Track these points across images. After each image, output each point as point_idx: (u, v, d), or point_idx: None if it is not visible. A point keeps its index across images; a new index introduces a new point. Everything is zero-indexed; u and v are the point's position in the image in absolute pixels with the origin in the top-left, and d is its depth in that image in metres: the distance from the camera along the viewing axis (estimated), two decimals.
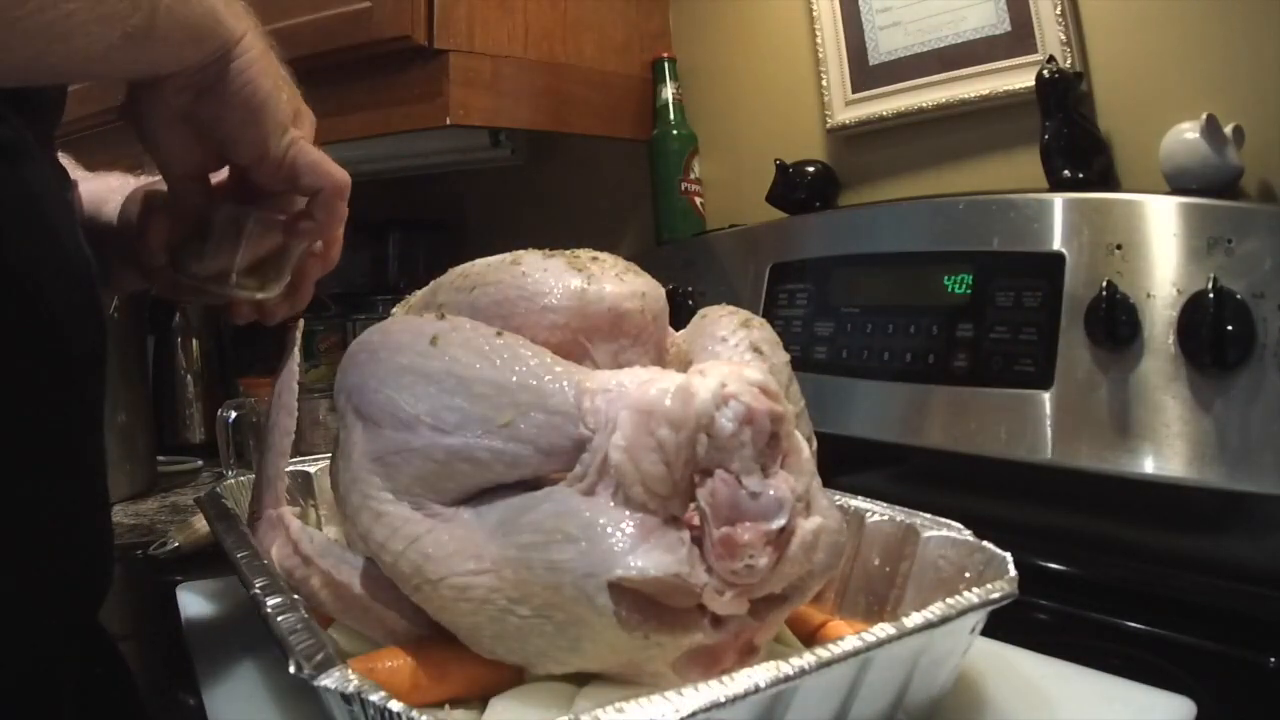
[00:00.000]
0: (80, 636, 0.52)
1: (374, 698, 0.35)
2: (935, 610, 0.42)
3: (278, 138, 0.52)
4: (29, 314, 0.46)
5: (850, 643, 0.38)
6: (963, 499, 0.78)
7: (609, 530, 0.41)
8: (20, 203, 0.48)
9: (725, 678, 0.35)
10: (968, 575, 0.51)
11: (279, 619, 0.43)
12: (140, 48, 0.42)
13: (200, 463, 1.29)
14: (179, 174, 0.54)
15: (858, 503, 0.59)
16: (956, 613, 0.42)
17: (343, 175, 0.56)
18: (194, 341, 1.38)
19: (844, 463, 0.92)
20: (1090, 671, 0.52)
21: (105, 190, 0.63)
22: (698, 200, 1.19)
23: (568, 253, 0.54)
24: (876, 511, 0.58)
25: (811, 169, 1.05)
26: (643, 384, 0.43)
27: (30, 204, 0.49)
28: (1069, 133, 0.82)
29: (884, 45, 1.01)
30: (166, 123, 0.50)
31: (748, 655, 0.44)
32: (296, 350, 0.62)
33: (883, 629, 0.40)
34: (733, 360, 0.53)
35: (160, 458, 1.24)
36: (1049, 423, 0.74)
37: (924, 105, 0.98)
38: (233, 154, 0.53)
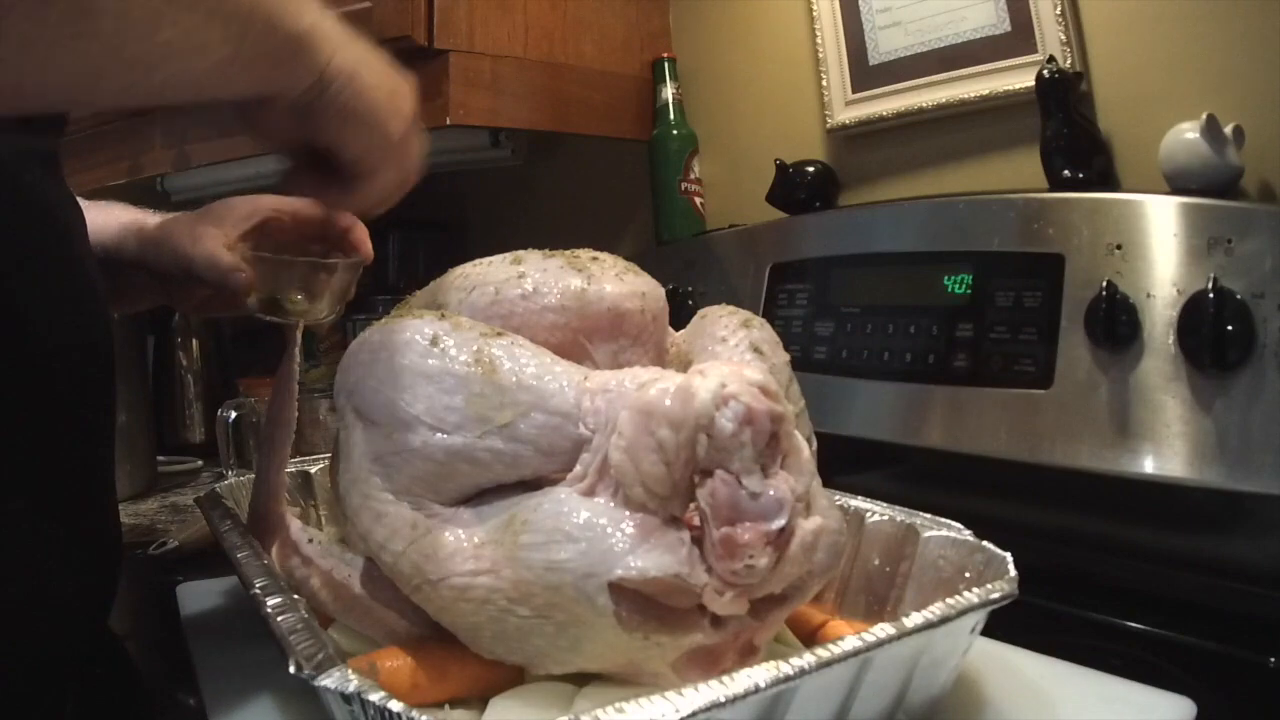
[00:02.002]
0: (85, 639, 0.52)
1: (374, 698, 0.35)
2: (935, 610, 0.42)
3: (386, 155, 0.52)
4: (49, 321, 0.46)
5: (850, 643, 0.38)
6: (963, 499, 0.78)
7: (609, 530, 0.41)
8: (62, 211, 0.49)
9: (725, 678, 0.35)
10: (968, 575, 0.51)
11: (279, 619, 0.43)
12: (227, 76, 0.42)
13: (200, 463, 1.29)
14: (293, 173, 0.54)
15: (858, 503, 0.59)
16: (956, 613, 0.42)
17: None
18: (194, 341, 1.38)
19: (844, 463, 0.93)
20: (1090, 671, 0.52)
21: (118, 225, 0.63)
22: (698, 200, 1.19)
23: (568, 253, 0.54)
24: (876, 511, 0.58)
25: (811, 169, 1.05)
26: (643, 384, 0.43)
27: (65, 212, 0.50)
28: (1069, 133, 0.82)
29: (884, 45, 1.01)
30: (277, 134, 0.50)
31: (748, 655, 0.44)
32: (296, 350, 0.62)
33: (883, 629, 0.40)
34: (733, 360, 0.53)
35: (160, 458, 1.24)
36: (1049, 423, 0.74)
37: (924, 105, 0.98)
38: (346, 165, 0.53)
